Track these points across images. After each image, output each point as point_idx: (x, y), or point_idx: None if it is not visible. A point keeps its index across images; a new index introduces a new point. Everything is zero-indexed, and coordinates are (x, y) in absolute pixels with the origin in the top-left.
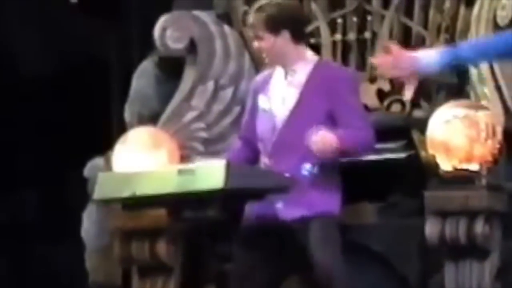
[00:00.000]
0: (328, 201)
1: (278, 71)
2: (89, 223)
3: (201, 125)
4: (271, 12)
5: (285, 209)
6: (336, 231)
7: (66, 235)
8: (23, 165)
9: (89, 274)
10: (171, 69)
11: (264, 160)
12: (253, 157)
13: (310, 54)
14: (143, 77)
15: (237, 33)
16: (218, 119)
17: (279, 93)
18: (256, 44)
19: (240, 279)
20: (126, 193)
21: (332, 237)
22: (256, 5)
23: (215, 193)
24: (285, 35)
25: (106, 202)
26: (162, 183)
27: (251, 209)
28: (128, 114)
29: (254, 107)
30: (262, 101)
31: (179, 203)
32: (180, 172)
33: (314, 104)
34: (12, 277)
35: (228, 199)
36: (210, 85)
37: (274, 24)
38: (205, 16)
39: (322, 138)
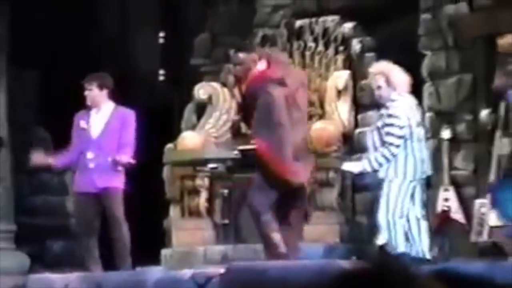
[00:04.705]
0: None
1: None
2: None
3: (214, 131)
4: None
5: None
6: None
7: None
8: None
9: (167, 193)
10: (202, 108)
11: None
12: None
13: None
14: (190, 111)
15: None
16: (223, 129)
17: None
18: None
19: None
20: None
21: None
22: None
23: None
24: None
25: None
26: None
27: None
28: (183, 125)
29: None
30: None
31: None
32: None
33: None
34: None
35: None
36: (217, 114)
37: None
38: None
39: None
